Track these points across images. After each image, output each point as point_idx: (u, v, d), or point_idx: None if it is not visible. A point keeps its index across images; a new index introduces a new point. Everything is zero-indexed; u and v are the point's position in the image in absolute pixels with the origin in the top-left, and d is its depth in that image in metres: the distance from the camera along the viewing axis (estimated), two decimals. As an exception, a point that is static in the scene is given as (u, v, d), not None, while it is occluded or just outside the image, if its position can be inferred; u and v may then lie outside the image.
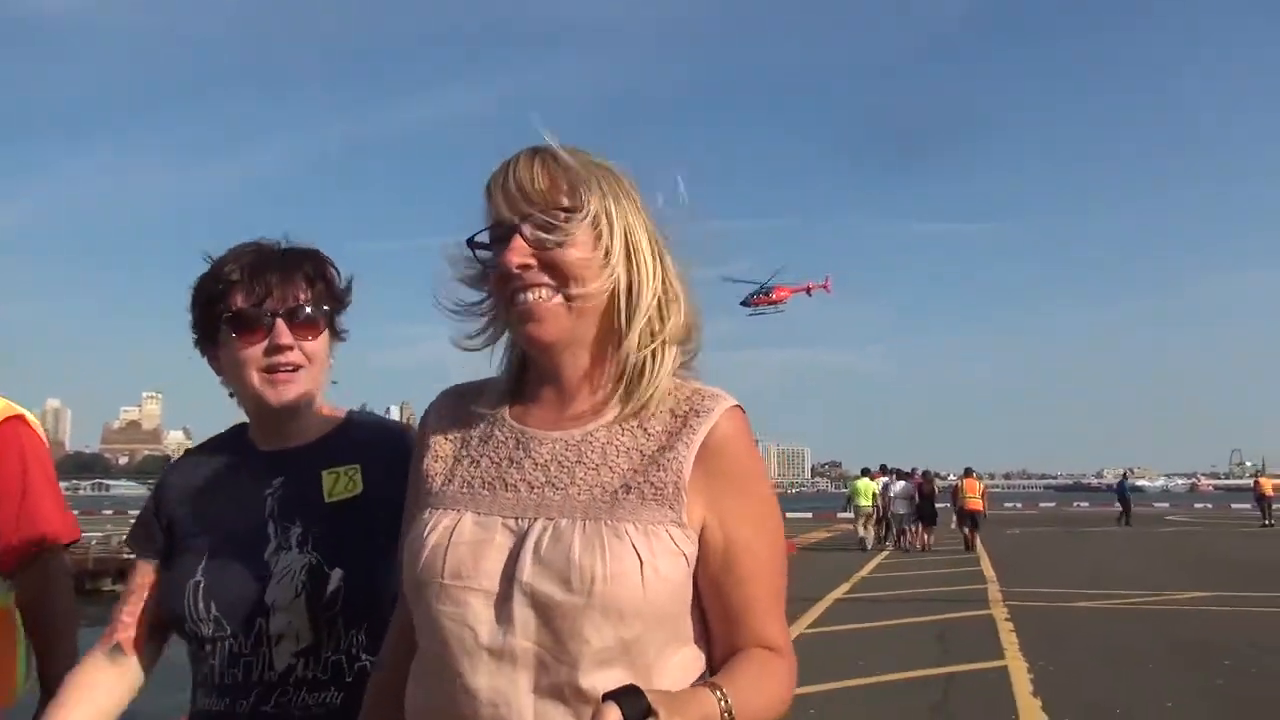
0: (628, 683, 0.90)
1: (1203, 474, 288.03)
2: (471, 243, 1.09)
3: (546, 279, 1.03)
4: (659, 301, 1.07)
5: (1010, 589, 12.07)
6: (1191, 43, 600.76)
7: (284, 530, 1.37)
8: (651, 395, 1.05)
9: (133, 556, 1.47)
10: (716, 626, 1.05)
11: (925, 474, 21.69)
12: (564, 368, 1.08)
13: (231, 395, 1.45)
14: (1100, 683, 6.71)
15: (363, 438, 1.45)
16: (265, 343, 1.38)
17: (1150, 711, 5.87)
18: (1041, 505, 53.15)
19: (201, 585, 1.34)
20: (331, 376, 1.50)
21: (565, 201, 1.04)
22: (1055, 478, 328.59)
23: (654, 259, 1.08)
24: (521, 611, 0.97)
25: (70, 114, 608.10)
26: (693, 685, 0.97)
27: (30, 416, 1.97)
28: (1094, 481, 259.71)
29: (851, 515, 22.64)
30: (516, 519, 1.03)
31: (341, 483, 1.39)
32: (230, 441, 1.50)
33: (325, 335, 1.44)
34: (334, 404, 1.52)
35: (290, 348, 1.38)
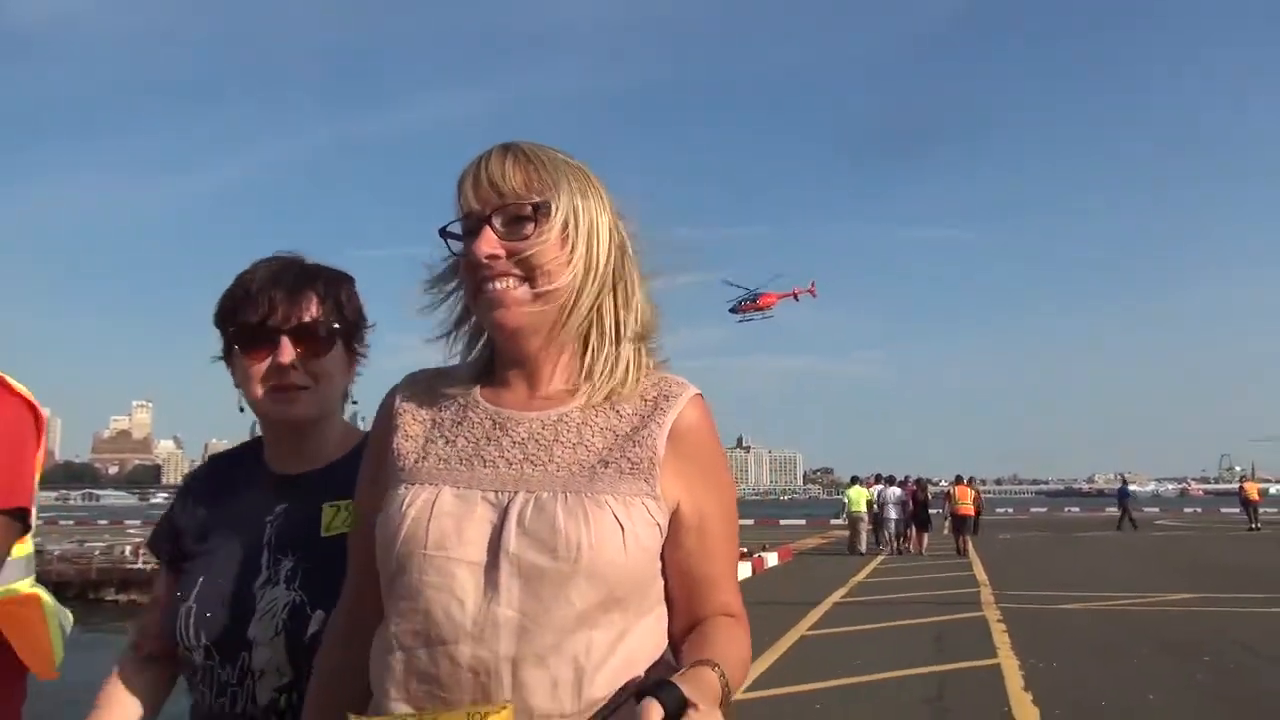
0: (661, 677, 0.93)
1: (1193, 478, 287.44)
2: (444, 232, 1.13)
3: (514, 270, 1.07)
4: (621, 298, 1.13)
5: (1002, 592, 12.33)
6: (1191, 43, 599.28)
7: (276, 562, 1.36)
8: (616, 384, 1.10)
9: (136, 566, 1.52)
10: (680, 594, 1.10)
11: (919, 481, 22.31)
12: (532, 354, 1.11)
13: (242, 410, 1.45)
14: (1088, 679, 6.90)
15: None
16: (270, 360, 1.37)
17: (1134, 705, 6.12)
18: (1033, 510, 53.12)
19: (193, 612, 1.35)
20: (352, 397, 1.49)
21: (535, 197, 1.08)
22: (1047, 483, 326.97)
23: (619, 257, 1.13)
24: (508, 580, 0.99)
25: (59, 120, 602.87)
26: (691, 666, 0.99)
27: (11, 380, 1.58)
28: (1085, 487, 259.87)
29: (845, 522, 23.05)
30: (497, 492, 1.05)
31: (340, 517, 1.37)
32: (248, 456, 1.50)
33: (338, 354, 1.42)
34: (362, 423, 1.49)
35: (293, 366, 1.37)
